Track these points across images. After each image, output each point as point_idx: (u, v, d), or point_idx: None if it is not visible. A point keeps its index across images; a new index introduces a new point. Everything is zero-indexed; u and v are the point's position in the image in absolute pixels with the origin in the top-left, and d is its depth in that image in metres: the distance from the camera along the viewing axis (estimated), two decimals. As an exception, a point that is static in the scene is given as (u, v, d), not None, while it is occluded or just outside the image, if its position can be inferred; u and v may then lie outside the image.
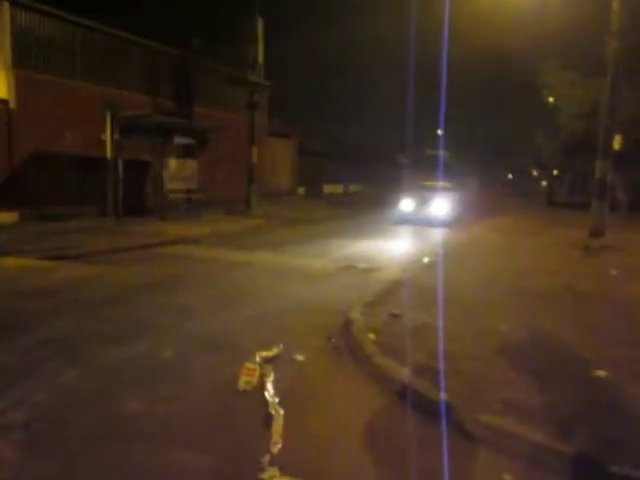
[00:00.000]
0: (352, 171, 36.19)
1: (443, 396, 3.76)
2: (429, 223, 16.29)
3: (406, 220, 16.62)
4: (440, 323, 5.58)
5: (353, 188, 37.33)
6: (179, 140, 16.07)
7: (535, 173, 59.36)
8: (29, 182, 12.82)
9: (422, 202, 17.10)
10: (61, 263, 8.91)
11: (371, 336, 5.15)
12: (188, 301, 6.61)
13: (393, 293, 7.18)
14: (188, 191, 16.62)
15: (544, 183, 46.66)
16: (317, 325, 5.78)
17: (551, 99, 27.14)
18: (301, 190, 28.99)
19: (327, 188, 33.32)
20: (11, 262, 8.83)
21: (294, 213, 18.41)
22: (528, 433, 3.25)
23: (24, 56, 12.93)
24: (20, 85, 12.92)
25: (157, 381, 4.16)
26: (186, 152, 16.68)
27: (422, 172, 23.55)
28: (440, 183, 18.14)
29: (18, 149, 12.91)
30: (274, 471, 2.93)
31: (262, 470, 2.94)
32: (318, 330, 5.60)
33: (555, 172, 39.17)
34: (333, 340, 5.32)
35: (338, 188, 35.22)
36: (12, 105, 12.87)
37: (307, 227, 15.33)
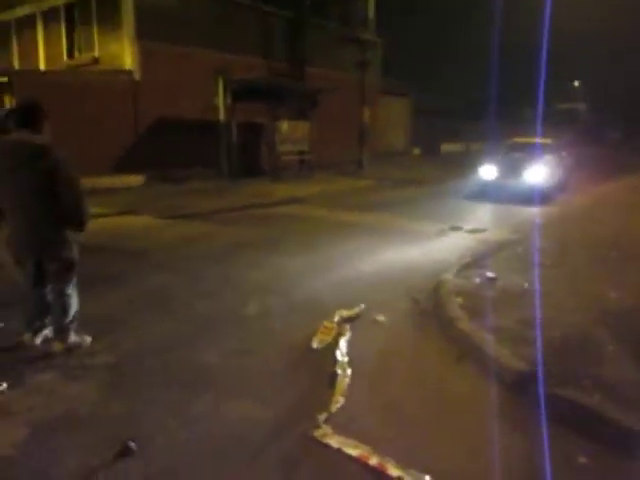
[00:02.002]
0: (474, 129, 34.33)
1: (522, 365, 3.47)
2: (518, 196, 11.59)
3: (486, 192, 12.18)
4: (539, 288, 5.15)
5: (475, 146, 35.50)
6: (291, 102, 16.23)
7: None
8: (152, 147, 13.75)
9: (510, 167, 12.56)
10: (176, 221, 9.52)
11: (459, 299, 4.90)
12: (283, 260, 6.73)
13: (495, 255, 6.76)
14: (300, 153, 16.82)
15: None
16: (408, 286, 5.61)
17: None
18: (416, 150, 28.14)
19: (446, 147, 31.99)
20: (132, 220, 9.61)
21: (405, 174, 17.93)
22: (613, 414, 2.89)
23: (145, 28, 13.69)
24: (143, 56, 13.76)
25: (236, 335, 4.31)
26: (298, 114, 16.82)
27: (552, 128, 21.60)
28: (539, 140, 14.01)
29: (142, 116, 13.86)
30: (327, 429, 2.90)
31: (317, 427, 2.93)
32: (408, 291, 5.44)
33: None
34: (420, 302, 5.14)
35: (458, 147, 33.68)
36: (136, 75, 13.77)
37: (416, 188, 14.87)
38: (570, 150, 15.97)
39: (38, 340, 3.95)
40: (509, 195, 11.66)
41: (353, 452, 2.70)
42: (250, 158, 15.58)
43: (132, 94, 13.69)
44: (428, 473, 2.52)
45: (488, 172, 12.78)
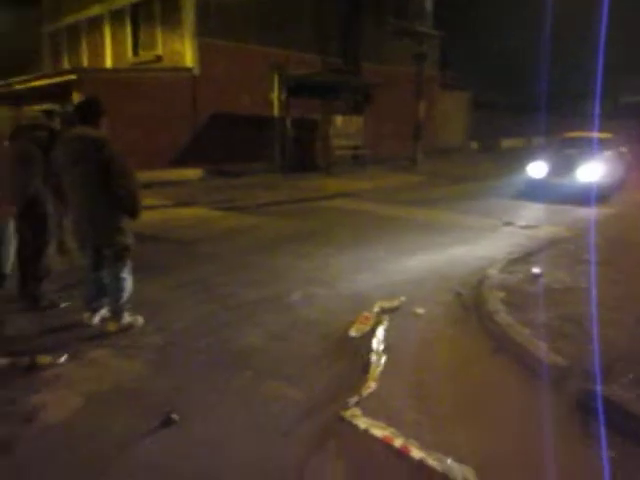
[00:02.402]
0: (536, 123, 33.19)
1: (554, 358, 3.46)
2: (569, 196, 10.52)
3: (535, 192, 11.22)
4: (585, 285, 5.05)
5: (537, 141, 34.36)
6: (345, 97, 16.33)
7: None
8: (209, 141, 14.21)
9: (562, 164, 11.49)
10: (228, 213, 9.84)
11: (501, 294, 4.88)
12: (330, 252, 6.87)
13: (544, 252, 6.65)
14: (354, 148, 16.91)
15: None
16: (453, 280, 5.63)
17: None
18: (474, 145, 27.58)
19: (506, 142, 31.14)
20: (187, 212, 10.01)
21: (460, 170, 17.67)
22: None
23: (205, 25, 14.15)
24: (202, 53, 14.23)
25: (278, 321, 4.48)
26: (352, 109, 16.91)
27: (616, 123, 20.58)
28: (595, 135, 12.61)
29: (200, 112, 14.35)
30: (356, 411, 3.02)
31: (347, 409, 3.05)
32: (452, 285, 5.46)
33: None
34: (462, 296, 5.15)
35: (519, 142, 32.70)
36: (196, 72, 14.27)
37: (470, 184, 14.64)
38: (632, 146, 14.92)
39: (96, 319, 4.27)
40: (560, 195, 10.62)
41: (379, 433, 2.80)
42: (304, 153, 15.80)
43: (191, 90, 14.20)
44: (451, 456, 2.59)
45: (537, 170, 11.75)
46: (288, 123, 14.38)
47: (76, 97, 12.15)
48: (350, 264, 6.33)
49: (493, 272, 5.58)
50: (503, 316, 4.29)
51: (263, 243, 7.48)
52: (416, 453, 2.62)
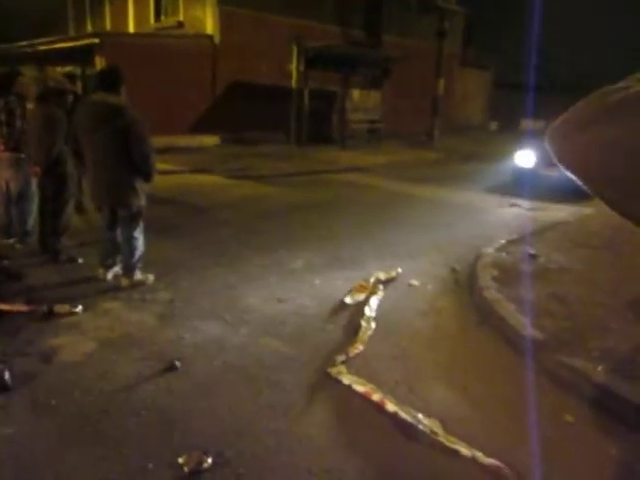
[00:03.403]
0: (558, 105, 32.64)
1: (532, 332, 3.70)
2: (559, 190, 8.64)
3: (524, 183, 9.86)
4: (579, 267, 5.25)
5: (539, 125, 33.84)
6: (364, 70, 16.32)
7: None
8: (227, 109, 14.39)
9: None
10: (242, 182, 10.11)
11: (494, 271, 5.09)
12: (336, 223, 7.12)
13: (545, 234, 6.81)
14: (370, 122, 16.96)
15: None
16: (450, 256, 5.84)
17: None
18: (493, 125, 27.34)
19: (526, 123, 30.81)
20: (203, 178, 10.29)
21: (477, 148, 17.64)
22: (604, 381, 3.10)
23: (227, -7, 14.22)
24: (223, 21, 14.31)
25: (280, 285, 4.77)
26: (371, 83, 16.90)
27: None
28: None
29: (220, 80, 14.50)
30: (342, 369, 3.30)
31: (333, 366, 3.33)
32: (448, 261, 5.68)
33: None
34: (456, 271, 5.38)
35: (539, 124, 32.29)
36: (216, 40, 14.37)
37: (485, 163, 14.68)
38: None
39: (109, 275, 4.60)
40: (549, 188, 9.29)
41: (360, 389, 3.08)
42: (320, 125, 15.92)
43: (211, 58, 14.32)
44: (422, 412, 2.87)
45: (525, 159, 10.29)
46: (305, 95, 14.48)
47: (98, 61, 12.38)
48: (354, 235, 6.57)
49: (489, 250, 5.78)
50: (492, 292, 4.52)
51: (274, 211, 7.75)
52: (390, 407, 2.90)
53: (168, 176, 9.96)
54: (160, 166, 10.29)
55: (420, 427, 2.73)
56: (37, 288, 4.40)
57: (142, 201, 4.39)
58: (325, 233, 6.63)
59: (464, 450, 2.58)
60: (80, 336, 3.62)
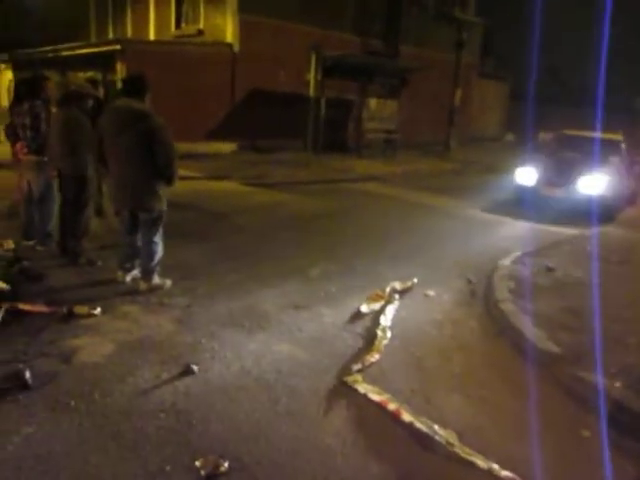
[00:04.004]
0: (575, 117, 32.47)
1: (549, 345, 3.68)
2: (566, 211, 8.54)
3: (523, 202, 9.06)
4: (596, 281, 5.21)
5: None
6: (382, 80, 16.36)
7: None
8: (245, 117, 14.50)
9: (557, 171, 9.24)
10: (257, 189, 10.17)
11: (510, 284, 5.08)
12: (351, 232, 7.15)
13: (564, 247, 6.77)
14: (387, 131, 16.96)
15: None
16: (466, 268, 5.82)
17: None
18: (510, 136, 27.23)
19: (543, 136, 30.64)
20: (219, 185, 10.38)
21: (493, 160, 17.58)
22: (627, 398, 3.07)
23: (247, 1, 14.33)
24: (243, 29, 14.44)
25: (296, 292, 4.79)
26: (388, 92, 16.92)
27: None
28: (601, 136, 10.18)
29: (238, 88, 14.62)
30: (358, 377, 3.31)
31: (349, 374, 3.34)
32: (464, 272, 5.66)
33: None
34: (472, 283, 5.36)
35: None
36: (235, 48, 14.50)
37: (501, 175, 14.62)
38: None
39: (128, 278, 4.65)
40: (552, 209, 8.66)
41: (376, 398, 3.09)
42: (337, 134, 15.95)
43: (231, 66, 14.46)
44: (438, 422, 2.87)
45: (526, 176, 9.47)
46: (322, 103, 14.52)
47: (119, 67, 12.56)
48: (370, 244, 6.58)
49: (506, 263, 5.77)
50: (508, 304, 4.51)
51: (290, 219, 7.79)
52: (406, 417, 2.90)
53: (186, 182, 10.03)
54: (179, 172, 10.42)
55: (436, 438, 2.73)
56: (57, 289, 4.47)
57: (164, 205, 4.44)
58: (341, 241, 6.66)
59: (480, 462, 2.58)
60: (99, 338, 3.66)
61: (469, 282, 5.38)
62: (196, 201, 8.54)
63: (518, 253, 6.24)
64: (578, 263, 5.93)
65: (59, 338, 3.61)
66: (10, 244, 5.40)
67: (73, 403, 2.90)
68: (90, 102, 5.14)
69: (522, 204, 9.01)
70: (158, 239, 4.52)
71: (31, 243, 5.51)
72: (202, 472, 2.37)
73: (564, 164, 9.45)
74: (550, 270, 5.63)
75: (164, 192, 4.41)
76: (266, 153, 14.48)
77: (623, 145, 10.38)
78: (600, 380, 3.25)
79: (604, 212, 8.46)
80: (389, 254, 6.21)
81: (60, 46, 14.65)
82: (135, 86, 4.27)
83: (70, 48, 14.36)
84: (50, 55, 14.89)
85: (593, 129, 10.42)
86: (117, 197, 4.46)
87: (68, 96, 5.13)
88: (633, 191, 10.41)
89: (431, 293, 4.98)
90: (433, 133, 19.37)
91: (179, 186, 8.29)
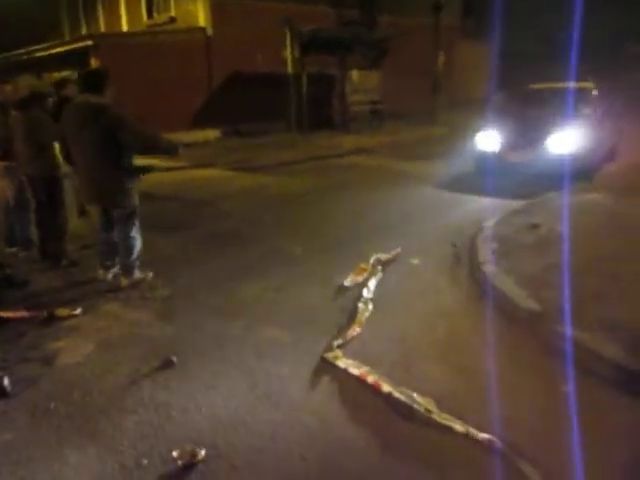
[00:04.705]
0: (566, 72, 31.99)
1: (529, 304, 3.66)
2: (534, 178, 7.55)
3: (488, 170, 7.85)
4: (581, 236, 5.16)
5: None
6: (361, 51, 16.12)
7: None
8: (226, 102, 14.34)
9: (523, 132, 8.19)
10: (242, 173, 10.11)
11: (494, 245, 5.04)
12: (337, 207, 7.12)
13: (549, 204, 6.68)
14: (371, 103, 16.77)
15: None
16: (452, 233, 5.78)
17: None
18: (498, 96, 26.89)
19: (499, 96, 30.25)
20: (204, 173, 10.31)
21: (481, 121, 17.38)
22: (608, 351, 3.05)
23: (217, -17, 14.10)
24: (215, 12, 14.20)
25: (279, 274, 4.77)
26: (369, 63, 16.68)
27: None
28: (572, 85, 8.89)
29: (215, 72, 14.43)
30: (338, 353, 3.30)
31: (330, 350, 3.33)
32: (450, 237, 5.61)
33: None
34: (456, 247, 5.33)
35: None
36: (209, 32, 14.28)
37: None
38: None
39: (109, 276, 4.63)
40: (518, 177, 7.67)
41: (355, 371, 3.08)
42: (321, 110, 15.77)
43: (205, 50, 14.26)
44: (418, 391, 2.85)
45: (488, 141, 8.33)
46: (303, 80, 14.35)
47: (94, 63, 12.38)
48: (354, 218, 6.55)
49: (490, 224, 5.72)
50: (490, 266, 4.48)
51: (273, 201, 7.74)
52: (385, 388, 2.90)
53: (169, 173, 10.01)
54: (160, 164, 10.35)
55: (414, 406, 2.73)
56: (40, 294, 4.45)
57: (135, 200, 4.40)
58: (325, 218, 6.63)
59: (458, 426, 2.57)
60: (80, 338, 3.66)
61: (454, 247, 5.34)
62: (179, 191, 8.52)
63: (503, 213, 6.18)
64: (570, 219, 5.79)
65: (40, 342, 3.61)
66: (-8, 252, 5.38)
67: (52, 406, 2.90)
68: (50, 101, 5.07)
69: (484, 174, 7.91)
70: (135, 233, 4.48)
71: (13, 250, 5.49)
72: (179, 462, 2.37)
73: (529, 123, 8.40)
74: (535, 227, 5.58)
75: (135, 187, 4.37)
76: (250, 137, 14.36)
77: (595, 93, 9.16)
78: (579, 334, 3.24)
79: (578, 174, 7.43)
80: (374, 226, 6.18)
81: (33, 47, 14.46)
82: (93, 81, 4.19)
83: (43, 49, 14.17)
84: (24, 57, 14.70)
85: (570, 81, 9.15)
86: (85, 193, 4.44)
87: (27, 98, 5.06)
88: (610, 146, 9.25)
89: (416, 262, 4.95)
90: (420, 100, 19.10)
91: (163, 177, 8.30)
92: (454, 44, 21.51)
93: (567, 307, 3.59)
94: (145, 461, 2.43)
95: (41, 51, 14.23)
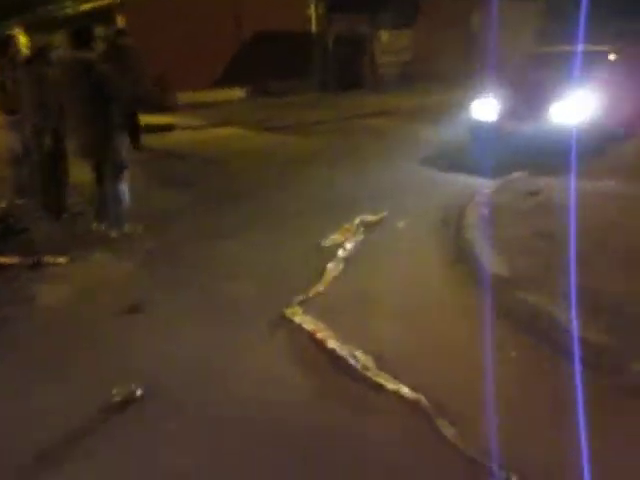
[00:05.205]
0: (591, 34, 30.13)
1: (497, 270, 3.66)
2: (535, 151, 6.29)
3: (485, 143, 6.90)
4: (580, 203, 5.01)
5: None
6: (393, 9, 15.66)
7: None
8: (253, 60, 14.22)
9: (524, 99, 7.18)
10: (261, 133, 10.15)
11: (485, 210, 4.98)
12: (336, 171, 7.04)
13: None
14: (402, 63, 16.38)
15: None
16: (450, 197, 5.70)
17: None
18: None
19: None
20: (223, 132, 10.38)
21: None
22: (556, 314, 3.04)
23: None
24: (244, -34, 13.94)
25: (265, 230, 4.88)
26: (401, 21, 16.21)
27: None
28: (586, 49, 7.01)
29: (243, 30, 14.28)
30: (297, 309, 3.39)
31: (289, 306, 3.43)
32: (447, 201, 5.54)
33: None
34: (449, 212, 5.28)
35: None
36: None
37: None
38: None
39: (102, 227, 4.83)
40: (517, 151, 6.40)
41: (308, 327, 3.18)
42: (350, 70, 15.51)
43: (233, 7, 14.09)
44: (369, 353, 2.90)
45: (485, 109, 7.35)
46: (329, 39, 14.09)
47: (120, 19, 12.48)
48: (354, 181, 6.50)
49: (486, 189, 5.62)
50: (472, 231, 4.44)
51: (281, 161, 7.78)
52: (331, 344, 2.98)
53: (189, 131, 10.16)
54: (180, 121, 10.46)
55: (352, 362, 2.81)
56: (35, 242, 4.70)
57: (123, 155, 4.54)
58: (326, 179, 6.63)
59: (390, 384, 2.64)
60: (62, 284, 3.88)
61: (445, 211, 5.30)
62: (195, 149, 8.67)
63: (504, 179, 6.03)
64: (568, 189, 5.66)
65: (25, 285, 3.86)
66: (1, 203, 5.66)
67: (34, 339, 3.14)
68: (54, 54, 5.20)
69: (477, 147, 7.14)
70: (124, 187, 4.64)
71: (23, 200, 5.74)
72: (116, 399, 2.55)
73: (534, 89, 7.34)
74: (533, 194, 5.46)
75: (123, 143, 4.50)
76: (277, 96, 14.27)
77: (612, 57, 7.92)
78: (537, 300, 3.23)
79: (587, 149, 5.97)
80: (373, 189, 6.14)
81: (65, 3, 14.64)
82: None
83: (73, 5, 14.34)
84: (56, 14, 14.91)
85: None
86: (78, 151, 4.59)
87: (38, 53, 5.20)
88: (630, 118, 7.45)
89: (401, 224, 4.95)
90: (456, 61, 18.50)
91: (181, 136, 8.44)
92: (492, 4, 20.56)
93: (539, 275, 3.59)
94: (88, 397, 2.61)
95: (72, 7, 14.42)
